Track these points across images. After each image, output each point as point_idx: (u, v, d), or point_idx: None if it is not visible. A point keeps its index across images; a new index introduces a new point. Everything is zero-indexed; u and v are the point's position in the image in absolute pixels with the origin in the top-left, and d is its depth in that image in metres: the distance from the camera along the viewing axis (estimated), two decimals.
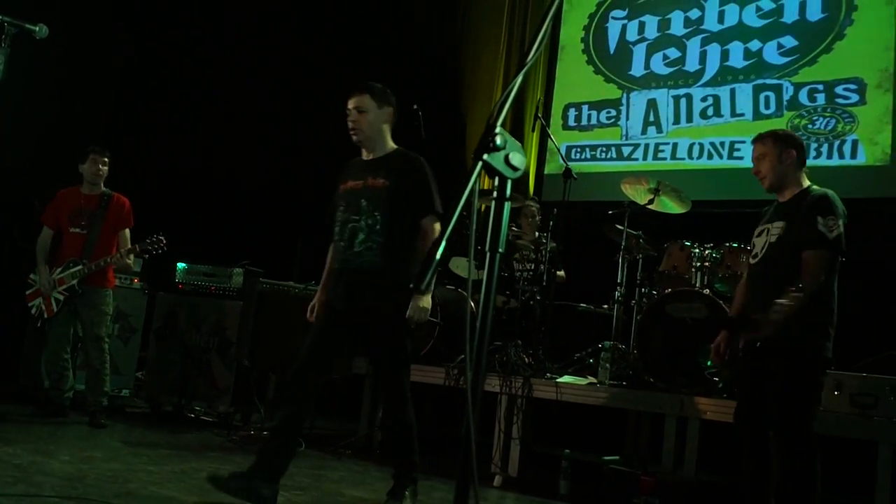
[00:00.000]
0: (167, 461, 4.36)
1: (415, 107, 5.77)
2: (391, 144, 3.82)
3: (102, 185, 5.66)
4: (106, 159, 5.63)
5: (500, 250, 1.57)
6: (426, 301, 3.55)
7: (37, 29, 3.36)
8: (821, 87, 6.47)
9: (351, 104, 3.72)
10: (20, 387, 6.05)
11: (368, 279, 3.61)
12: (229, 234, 8.16)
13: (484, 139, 1.57)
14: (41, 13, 3.55)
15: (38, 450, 4.21)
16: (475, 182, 1.57)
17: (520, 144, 1.61)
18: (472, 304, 5.57)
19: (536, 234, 6.06)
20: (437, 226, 3.66)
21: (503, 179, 1.60)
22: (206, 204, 8.50)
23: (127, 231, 5.63)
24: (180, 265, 6.43)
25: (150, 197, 8.26)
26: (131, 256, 5.56)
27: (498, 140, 1.55)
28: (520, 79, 1.64)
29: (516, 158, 1.58)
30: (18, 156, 5.17)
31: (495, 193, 1.61)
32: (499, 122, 1.58)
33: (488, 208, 1.54)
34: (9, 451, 4.10)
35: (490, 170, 1.58)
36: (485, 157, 1.56)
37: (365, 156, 3.82)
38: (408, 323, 3.57)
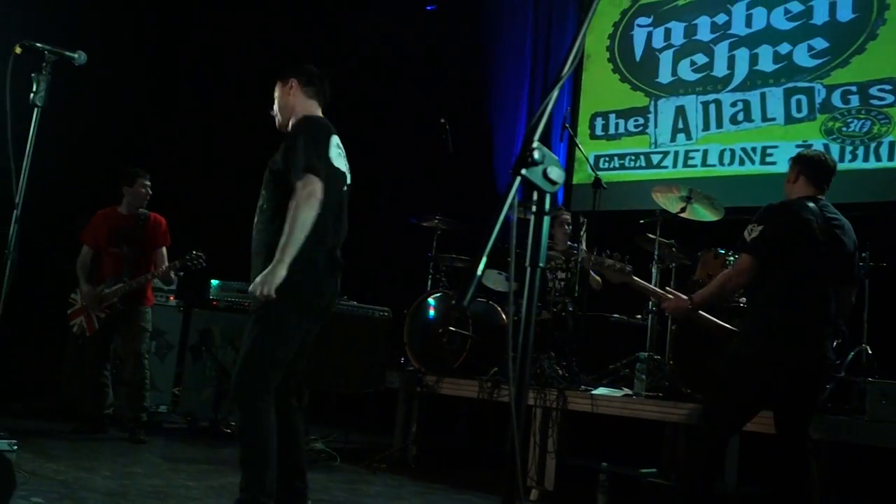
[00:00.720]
0: (206, 476, 4.39)
1: (442, 121, 5.81)
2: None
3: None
4: (149, 182, 5.75)
5: (541, 265, 1.57)
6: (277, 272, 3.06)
7: (76, 56, 3.42)
8: (854, 88, 6.39)
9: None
10: (61, 403, 6.14)
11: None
12: None
13: (522, 154, 1.57)
14: (72, 39, 3.62)
15: (81, 466, 4.27)
16: (514, 197, 1.57)
17: (557, 158, 1.61)
18: (505, 315, 5.57)
19: (568, 243, 6.04)
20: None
21: (542, 194, 1.60)
22: (239, 222, 8.57)
23: (164, 249, 5.73)
24: (214, 282, 6.49)
25: (183, 215, 8.37)
26: (171, 273, 5.63)
27: (536, 154, 1.56)
28: (555, 93, 1.65)
29: (554, 172, 1.58)
30: (59, 177, 5.27)
31: (534, 208, 1.61)
32: (536, 137, 1.58)
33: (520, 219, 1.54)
34: (53, 466, 4.17)
35: (528, 184, 1.58)
36: (523, 171, 1.56)
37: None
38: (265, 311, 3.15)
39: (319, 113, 3.55)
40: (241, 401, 3.18)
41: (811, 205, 3.55)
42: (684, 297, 3.71)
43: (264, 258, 3.20)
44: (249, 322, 3.25)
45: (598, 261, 3.97)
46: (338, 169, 3.35)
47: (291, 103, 3.54)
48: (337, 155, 3.38)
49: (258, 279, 3.10)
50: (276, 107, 3.58)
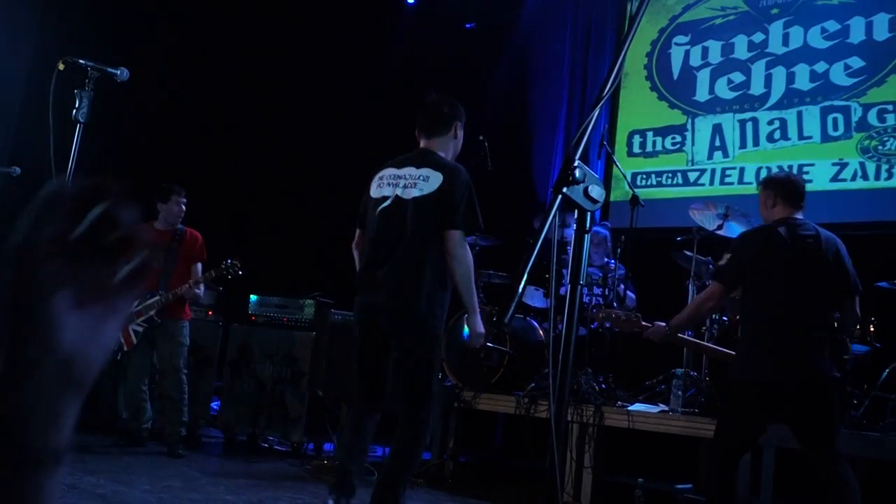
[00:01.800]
0: (244, 490, 4.45)
1: (480, 137, 5.85)
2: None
3: None
4: (184, 199, 5.84)
5: (582, 282, 1.60)
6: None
7: (118, 73, 3.48)
8: (890, 107, 6.33)
9: None
10: (100, 418, 6.24)
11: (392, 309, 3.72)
12: (301, 265, 8.32)
13: (563, 172, 1.61)
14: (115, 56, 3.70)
15: (119, 480, 4.35)
16: (555, 215, 1.60)
17: (598, 177, 1.64)
18: (542, 332, 5.59)
19: (605, 259, 6.04)
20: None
21: (583, 212, 1.63)
22: (278, 236, 8.69)
23: (199, 265, 5.80)
24: (253, 297, 6.57)
25: (221, 229, 8.50)
26: (201, 286, 5.70)
27: (577, 173, 1.59)
28: (596, 112, 1.68)
29: (595, 191, 1.61)
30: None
31: (575, 226, 1.64)
32: (577, 155, 1.62)
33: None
34: (92, 480, 4.24)
35: (570, 202, 1.61)
36: (564, 190, 1.59)
37: None
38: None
39: None
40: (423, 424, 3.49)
41: (781, 228, 3.66)
42: (662, 324, 3.84)
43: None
44: (411, 350, 3.50)
45: (607, 313, 4.14)
46: None
47: (456, 148, 3.85)
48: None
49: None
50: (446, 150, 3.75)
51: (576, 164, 1.59)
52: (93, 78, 3.36)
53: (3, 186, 6.35)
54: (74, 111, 3.31)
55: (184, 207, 5.86)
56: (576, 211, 1.64)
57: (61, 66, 3.28)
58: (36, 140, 4.60)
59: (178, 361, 5.63)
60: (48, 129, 3.27)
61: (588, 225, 1.62)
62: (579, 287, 1.61)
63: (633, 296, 6.10)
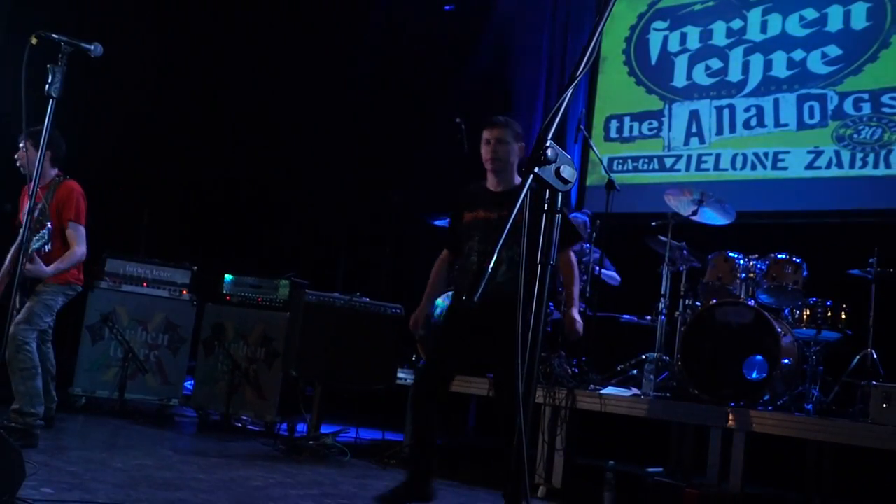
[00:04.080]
0: (216, 469, 4.44)
1: (457, 120, 5.84)
2: (518, 178, 3.95)
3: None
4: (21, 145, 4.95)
5: (552, 262, 1.61)
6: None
7: (92, 48, 3.44)
8: (866, 96, 6.39)
9: (491, 135, 3.91)
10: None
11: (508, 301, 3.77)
12: (275, 246, 8.28)
13: (535, 152, 1.61)
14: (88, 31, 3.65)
15: (92, 458, 4.32)
16: (526, 194, 1.60)
17: (570, 157, 1.64)
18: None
19: (584, 245, 6.06)
20: (573, 258, 4.04)
21: (554, 192, 1.64)
22: (253, 217, 8.64)
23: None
24: (227, 277, 6.54)
25: (197, 209, 8.44)
26: None
27: (549, 153, 1.59)
28: (569, 92, 1.68)
29: (567, 171, 1.61)
30: (72, 167, 5.29)
31: (546, 206, 1.64)
32: (549, 135, 1.62)
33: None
34: (63, 457, 4.21)
35: (541, 182, 1.61)
36: (536, 169, 1.60)
37: (493, 186, 3.97)
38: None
39: None
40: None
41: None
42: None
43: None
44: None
45: None
46: None
47: (514, 164, 3.95)
48: None
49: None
50: (501, 149, 3.89)
51: (548, 143, 1.60)
52: (66, 53, 3.32)
53: None
54: (47, 86, 3.26)
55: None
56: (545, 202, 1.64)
57: (34, 41, 3.24)
58: (8, 115, 4.53)
59: None
60: (21, 105, 3.24)
61: (558, 205, 1.63)
62: (549, 268, 1.61)
63: (613, 274, 6.14)
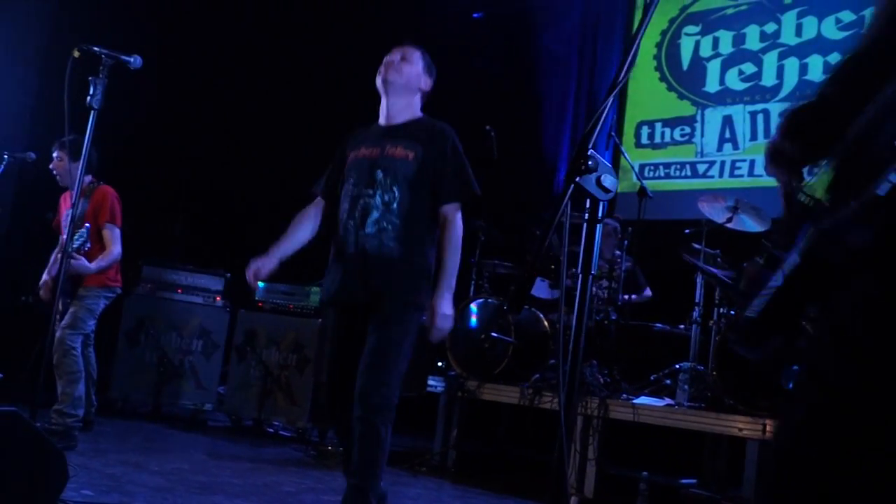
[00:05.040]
0: (250, 474, 4.47)
1: (487, 127, 5.83)
2: (418, 113, 3.30)
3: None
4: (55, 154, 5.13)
5: (593, 272, 1.60)
6: (449, 303, 3.05)
7: (131, 60, 3.51)
8: None
9: (398, 53, 3.25)
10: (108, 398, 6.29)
11: (378, 266, 3.05)
12: (307, 253, 8.31)
13: (576, 161, 1.60)
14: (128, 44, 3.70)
15: (129, 461, 4.37)
16: (567, 204, 1.59)
17: (610, 166, 1.63)
18: (547, 323, 5.58)
19: (615, 252, 6.03)
20: (459, 215, 3.15)
21: (595, 201, 1.62)
22: (285, 225, 8.68)
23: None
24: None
25: (230, 217, 8.51)
26: None
27: (590, 162, 1.58)
28: (610, 100, 1.67)
29: (608, 180, 1.60)
30: (114, 177, 5.39)
31: (587, 215, 1.63)
32: (590, 144, 1.61)
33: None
34: (101, 460, 4.27)
35: (582, 192, 1.60)
36: (577, 179, 1.59)
37: (383, 118, 3.27)
38: (411, 325, 3.09)
39: None
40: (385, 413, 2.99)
41: None
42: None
43: (404, 271, 3.07)
44: (383, 331, 3.04)
45: None
46: None
47: (418, 97, 3.29)
48: None
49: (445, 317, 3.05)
50: (404, 67, 3.21)
51: (589, 152, 1.59)
52: (107, 65, 3.40)
53: (20, 172, 6.37)
54: (88, 98, 3.35)
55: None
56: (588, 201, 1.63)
57: (76, 54, 3.33)
58: (51, 126, 4.63)
59: None
60: (63, 116, 3.31)
61: (600, 215, 1.62)
62: (590, 278, 1.60)
63: (647, 293, 6.14)
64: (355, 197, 3.11)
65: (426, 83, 3.28)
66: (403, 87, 3.20)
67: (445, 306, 3.04)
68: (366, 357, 2.98)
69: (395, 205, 3.04)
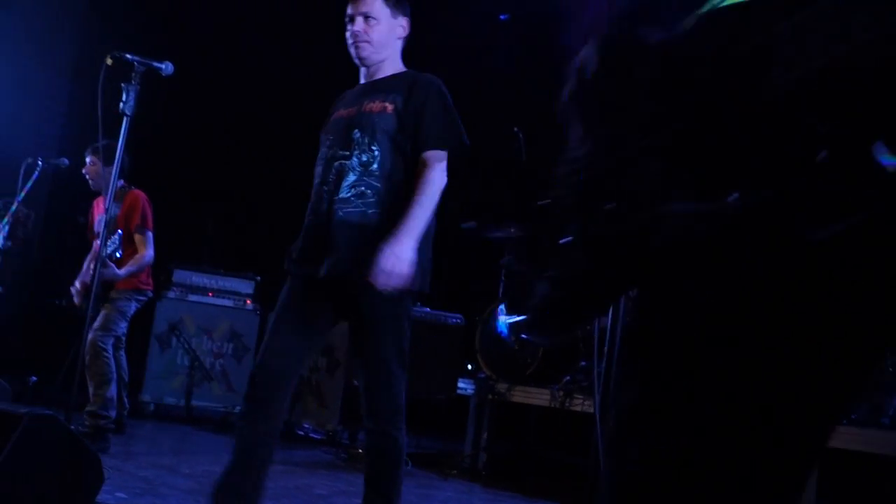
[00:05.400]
0: (281, 477, 4.48)
1: (515, 129, 5.82)
2: (401, 66, 2.89)
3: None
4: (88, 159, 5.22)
5: None
6: (407, 247, 2.50)
7: (163, 67, 3.55)
8: None
9: (355, 9, 2.74)
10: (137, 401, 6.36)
11: (356, 236, 2.59)
12: None
13: None
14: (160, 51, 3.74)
15: (161, 464, 4.41)
16: None
17: None
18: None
19: None
20: (442, 165, 2.66)
21: None
22: None
23: None
24: None
25: (260, 220, 8.57)
26: None
27: None
28: None
29: None
30: (146, 184, 5.47)
31: None
32: None
33: None
34: (134, 463, 4.31)
35: None
36: None
37: (363, 78, 2.88)
38: (401, 308, 2.67)
39: None
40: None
41: None
42: None
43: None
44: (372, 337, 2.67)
45: None
46: None
47: (397, 47, 2.86)
48: None
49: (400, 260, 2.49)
50: (370, 29, 2.73)
51: None
52: (139, 72, 3.44)
53: (53, 178, 6.47)
54: (121, 104, 3.39)
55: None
56: None
57: (109, 61, 3.36)
58: (84, 132, 4.70)
59: None
60: (96, 122, 3.35)
61: None
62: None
63: None
64: (329, 159, 2.71)
65: (402, 29, 2.82)
66: (375, 51, 2.77)
67: (400, 249, 2.48)
68: (364, 372, 2.73)
69: (374, 165, 2.62)
